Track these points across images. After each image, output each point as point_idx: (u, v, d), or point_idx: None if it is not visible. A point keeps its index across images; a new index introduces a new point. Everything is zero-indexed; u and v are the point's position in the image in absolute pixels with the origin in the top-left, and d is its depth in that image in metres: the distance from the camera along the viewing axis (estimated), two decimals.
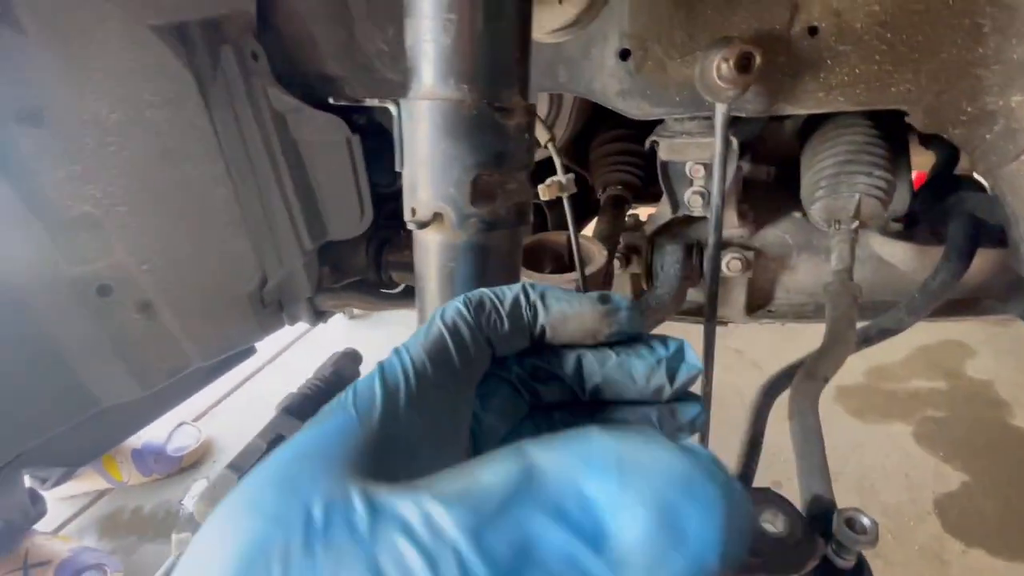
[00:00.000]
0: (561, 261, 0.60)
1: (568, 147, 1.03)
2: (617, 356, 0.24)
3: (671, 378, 0.24)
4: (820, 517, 0.52)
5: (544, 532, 0.13)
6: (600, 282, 0.60)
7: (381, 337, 1.93)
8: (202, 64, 0.75)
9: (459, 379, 0.22)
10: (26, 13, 0.61)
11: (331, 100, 0.70)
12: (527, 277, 0.55)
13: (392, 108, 0.36)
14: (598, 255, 0.58)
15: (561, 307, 0.24)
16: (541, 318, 0.24)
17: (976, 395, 1.46)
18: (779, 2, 0.56)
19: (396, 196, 1.21)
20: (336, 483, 0.15)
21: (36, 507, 1.28)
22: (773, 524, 0.48)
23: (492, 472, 0.14)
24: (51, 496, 1.56)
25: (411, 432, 0.18)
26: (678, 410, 0.25)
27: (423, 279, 0.40)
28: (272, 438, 0.44)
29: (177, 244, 0.83)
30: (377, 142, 0.99)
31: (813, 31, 0.57)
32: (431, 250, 0.38)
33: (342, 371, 0.56)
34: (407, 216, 0.37)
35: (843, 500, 0.53)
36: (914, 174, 0.89)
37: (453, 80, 0.33)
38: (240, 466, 0.42)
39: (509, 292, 0.25)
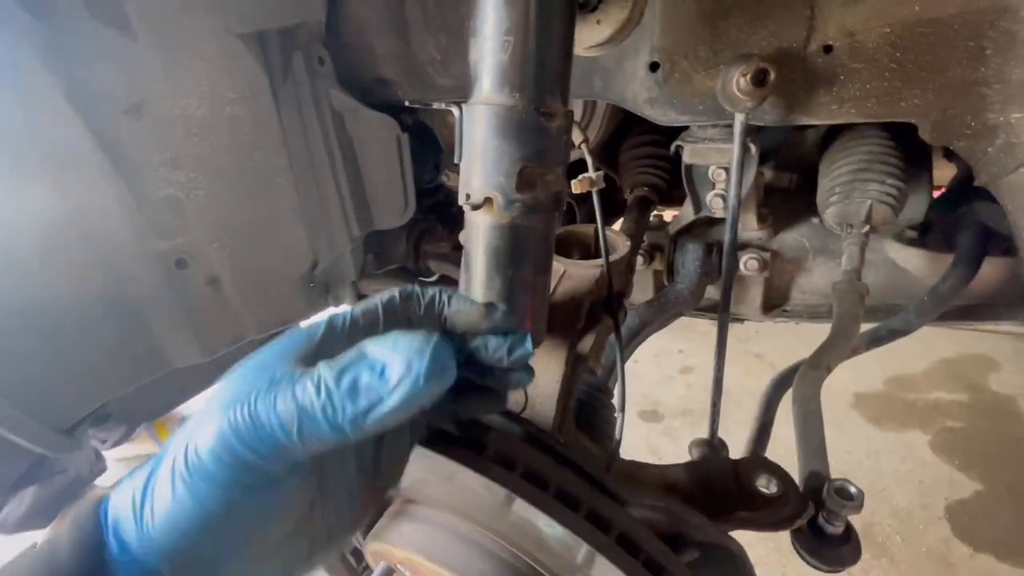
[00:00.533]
0: (588, 250, 0.67)
1: (599, 150, 1.10)
2: (482, 337, 0.39)
3: (510, 353, 0.39)
4: (815, 489, 0.58)
5: (361, 371, 0.31)
6: (623, 270, 0.66)
7: None
8: (276, 67, 0.85)
9: (379, 330, 0.37)
10: (138, 21, 0.72)
11: (407, 103, 0.78)
12: (557, 263, 0.62)
13: (455, 111, 0.44)
14: (622, 245, 0.65)
15: (456, 307, 0.39)
16: (445, 312, 0.39)
17: (998, 409, 1.45)
18: (796, 23, 0.62)
19: (436, 191, 1.31)
20: (289, 366, 0.32)
21: (98, 463, 1.41)
22: (767, 487, 0.54)
23: (349, 351, 0.32)
24: (108, 456, 1.70)
25: (339, 346, 0.34)
26: (511, 375, 0.41)
27: (471, 254, 0.48)
28: None
29: (244, 227, 0.93)
30: (422, 142, 1.08)
31: (828, 49, 0.62)
32: (480, 229, 0.46)
33: None
34: (462, 200, 0.45)
35: None
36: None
37: (507, 89, 0.41)
38: None
39: (430, 292, 0.40)
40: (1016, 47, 0.56)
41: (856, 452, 1.33)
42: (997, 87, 0.58)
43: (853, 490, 0.54)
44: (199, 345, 0.97)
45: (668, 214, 1.19)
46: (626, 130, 1.10)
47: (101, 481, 1.60)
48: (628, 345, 0.89)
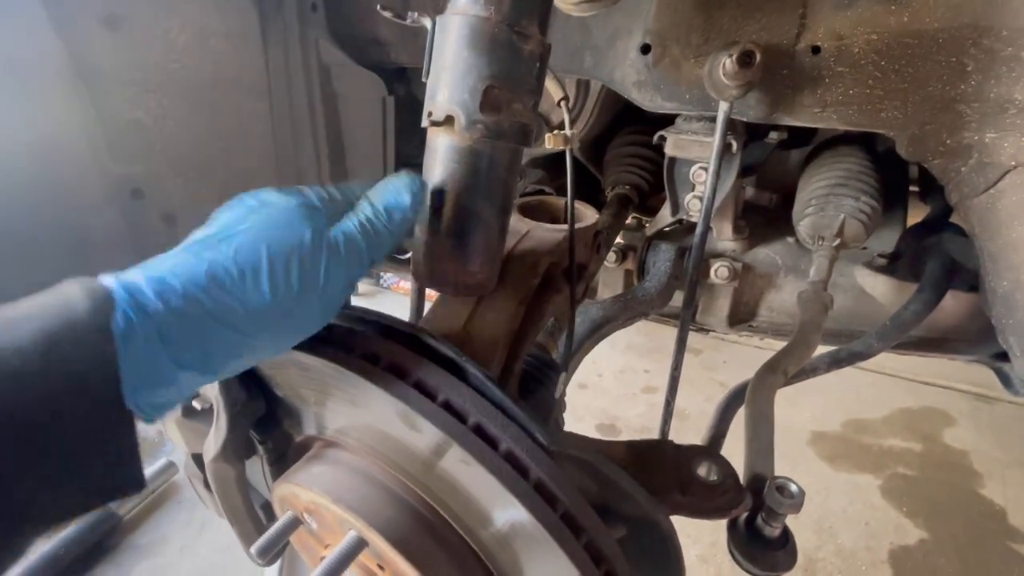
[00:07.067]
0: (556, 220, 0.65)
1: (587, 148, 1.09)
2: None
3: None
4: (757, 488, 0.55)
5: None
6: (588, 241, 0.64)
7: None
8: (268, 5, 0.83)
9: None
10: None
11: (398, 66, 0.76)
12: (523, 223, 0.60)
13: (427, 23, 0.42)
14: (589, 215, 0.63)
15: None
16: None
17: (950, 462, 1.46)
18: (788, 20, 0.62)
19: (419, 167, 1.28)
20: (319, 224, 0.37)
21: None
22: (707, 475, 0.52)
23: (363, 206, 0.40)
24: None
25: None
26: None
27: (427, 176, 0.45)
28: None
29: (210, 166, 0.90)
30: (412, 114, 1.06)
31: (816, 50, 0.62)
32: (439, 151, 0.44)
33: None
34: (424, 117, 0.43)
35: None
36: None
37: (483, 1, 0.39)
38: None
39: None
40: (996, 66, 0.57)
41: (807, 488, 1.31)
42: (975, 105, 0.59)
43: (794, 488, 0.52)
44: None
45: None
46: (614, 132, 1.10)
47: None
48: (591, 337, 0.87)
